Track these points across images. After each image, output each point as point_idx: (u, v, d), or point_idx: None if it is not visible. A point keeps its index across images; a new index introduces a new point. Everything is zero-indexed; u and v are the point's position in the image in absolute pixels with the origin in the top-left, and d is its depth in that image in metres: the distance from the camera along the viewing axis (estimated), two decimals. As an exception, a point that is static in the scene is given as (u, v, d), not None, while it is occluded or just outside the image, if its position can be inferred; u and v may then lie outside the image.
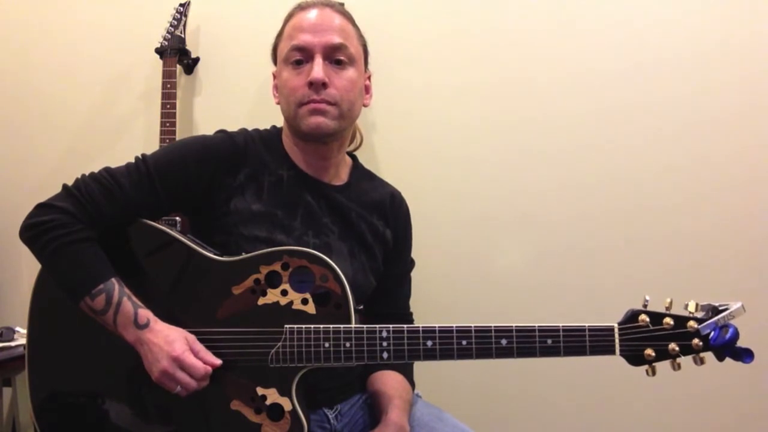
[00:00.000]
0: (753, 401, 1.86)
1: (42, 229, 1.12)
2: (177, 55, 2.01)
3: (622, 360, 1.06)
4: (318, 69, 1.21)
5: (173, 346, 1.08)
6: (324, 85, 1.21)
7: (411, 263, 1.47)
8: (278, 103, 1.31)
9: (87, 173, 1.19)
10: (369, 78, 1.36)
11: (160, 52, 2.01)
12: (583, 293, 1.91)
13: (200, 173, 1.22)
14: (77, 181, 1.18)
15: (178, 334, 1.10)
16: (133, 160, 1.23)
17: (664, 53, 1.89)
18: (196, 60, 2.11)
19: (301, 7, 1.29)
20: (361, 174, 1.41)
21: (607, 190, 1.92)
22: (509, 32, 1.97)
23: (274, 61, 1.34)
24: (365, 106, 1.35)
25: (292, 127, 1.28)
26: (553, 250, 1.94)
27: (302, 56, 1.24)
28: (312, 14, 1.26)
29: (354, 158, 1.43)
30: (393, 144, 2.02)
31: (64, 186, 1.18)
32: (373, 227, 1.34)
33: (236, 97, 2.08)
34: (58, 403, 1.19)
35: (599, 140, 1.92)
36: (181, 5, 2.05)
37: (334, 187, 1.32)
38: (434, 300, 1.90)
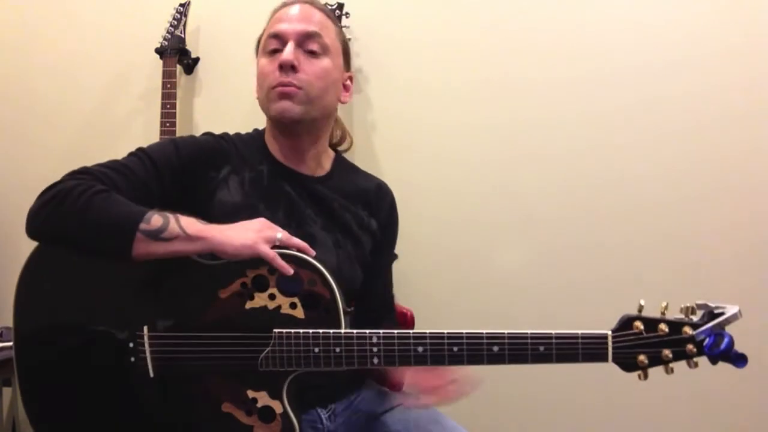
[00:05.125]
0: (752, 400, 1.85)
1: (63, 194, 1.07)
2: (177, 55, 2.02)
3: (618, 362, 1.04)
4: (288, 51, 1.22)
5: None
6: (293, 68, 1.22)
7: (394, 255, 1.48)
8: (258, 98, 1.32)
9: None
10: (350, 79, 1.37)
11: (160, 52, 2.02)
12: (580, 294, 1.90)
13: (192, 160, 1.23)
14: (82, 168, 1.16)
15: None
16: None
17: (666, 55, 1.87)
18: (196, 60, 2.11)
19: (284, 3, 1.32)
20: (343, 165, 1.41)
21: (605, 192, 1.91)
22: (510, 32, 1.96)
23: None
24: (342, 102, 1.35)
25: (265, 112, 1.30)
26: (551, 251, 1.93)
27: (278, 44, 1.26)
28: (292, 8, 1.29)
29: (337, 152, 1.44)
30: (393, 144, 2.01)
31: (70, 172, 1.15)
32: (358, 217, 1.34)
33: (236, 97, 2.08)
34: (49, 404, 1.17)
35: (599, 142, 1.91)
36: (181, 5, 2.05)
37: (315, 179, 1.32)
38: (433, 301, 1.90)
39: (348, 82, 1.36)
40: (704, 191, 1.85)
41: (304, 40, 1.25)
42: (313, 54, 1.25)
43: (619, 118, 1.89)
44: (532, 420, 1.96)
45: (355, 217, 1.34)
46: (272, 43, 1.26)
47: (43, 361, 1.17)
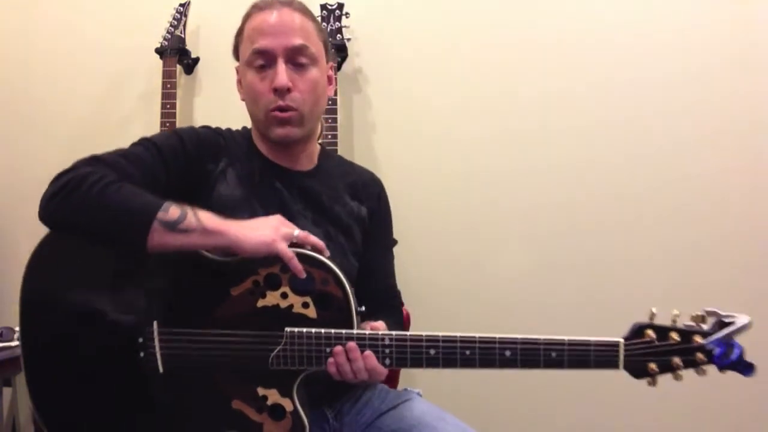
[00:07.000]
0: (753, 404, 1.86)
1: (77, 181, 1.06)
2: (177, 55, 2.01)
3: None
4: (282, 76, 1.21)
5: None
6: (288, 89, 1.22)
7: (393, 240, 1.46)
8: (243, 99, 1.31)
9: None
10: (332, 68, 1.37)
11: (160, 52, 2.01)
12: (589, 298, 1.91)
13: (195, 151, 1.22)
14: (93, 156, 1.14)
15: None
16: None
17: (667, 67, 1.89)
18: (196, 60, 2.10)
19: (259, 7, 1.27)
20: (329, 158, 1.42)
21: (612, 197, 1.92)
22: (512, 33, 1.97)
23: (236, 57, 1.33)
24: (329, 95, 1.35)
25: (260, 130, 1.29)
26: (550, 257, 1.94)
27: (265, 60, 1.23)
28: (271, 16, 1.25)
29: (320, 146, 1.43)
30: (393, 144, 2.02)
31: (81, 159, 1.13)
32: (348, 207, 1.34)
33: (236, 97, 2.06)
34: (59, 402, 1.16)
35: (606, 149, 1.92)
36: (181, 5, 2.05)
37: (303, 174, 1.32)
38: (431, 302, 1.90)
39: (330, 72, 1.35)
40: (714, 198, 1.87)
41: (292, 54, 1.23)
42: (302, 66, 1.24)
43: (624, 128, 1.91)
44: (536, 419, 1.96)
45: (345, 208, 1.34)
46: (258, 58, 1.24)
47: (50, 355, 1.15)
